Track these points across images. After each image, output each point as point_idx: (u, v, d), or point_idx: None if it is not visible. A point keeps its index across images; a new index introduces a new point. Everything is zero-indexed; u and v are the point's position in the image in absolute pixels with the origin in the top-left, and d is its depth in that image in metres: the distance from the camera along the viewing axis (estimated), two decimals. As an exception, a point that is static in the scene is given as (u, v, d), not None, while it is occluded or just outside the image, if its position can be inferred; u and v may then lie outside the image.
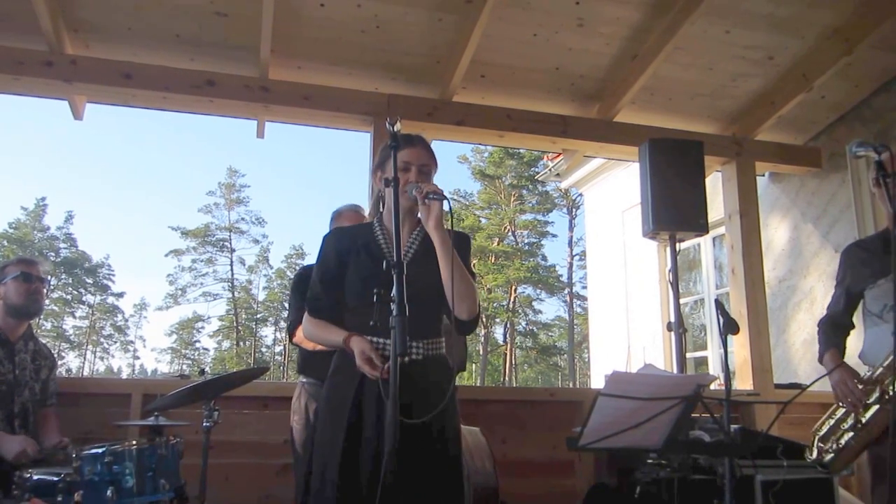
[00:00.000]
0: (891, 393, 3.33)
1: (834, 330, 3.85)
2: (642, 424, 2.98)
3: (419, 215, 2.99)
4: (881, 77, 6.40)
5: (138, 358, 60.50)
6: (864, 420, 3.45)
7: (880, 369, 3.39)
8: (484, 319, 48.11)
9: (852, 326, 3.85)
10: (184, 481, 3.70)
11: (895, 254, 3.15)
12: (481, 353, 48.52)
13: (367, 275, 2.93)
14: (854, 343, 3.83)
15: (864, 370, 3.54)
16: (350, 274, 3.01)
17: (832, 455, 3.58)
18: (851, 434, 3.50)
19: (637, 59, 5.76)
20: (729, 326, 3.54)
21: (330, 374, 3.06)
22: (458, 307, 2.87)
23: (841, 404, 3.55)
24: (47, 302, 51.50)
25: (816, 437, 3.66)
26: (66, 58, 5.13)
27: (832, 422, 3.60)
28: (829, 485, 4.38)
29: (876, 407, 3.39)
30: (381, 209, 3.17)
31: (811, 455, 3.68)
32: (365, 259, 3.00)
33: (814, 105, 6.55)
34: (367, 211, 4.51)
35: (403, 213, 2.96)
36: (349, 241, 3.10)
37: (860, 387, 3.44)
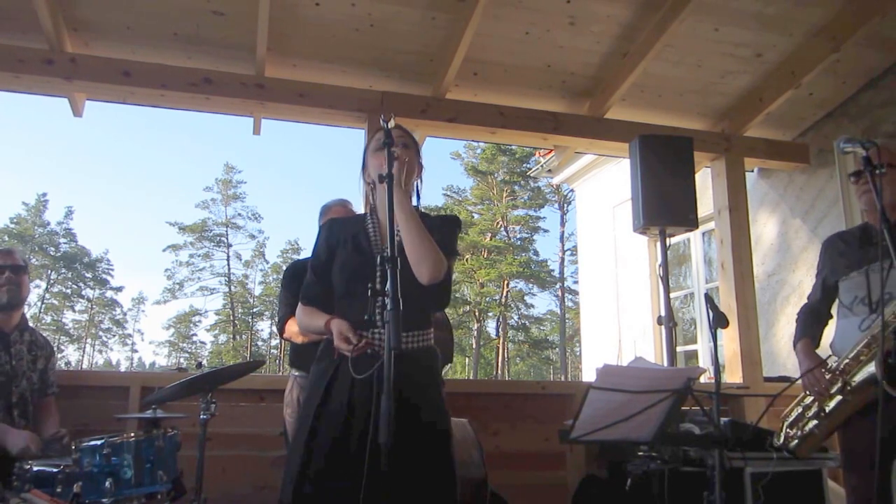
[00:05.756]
0: (852, 384, 3.41)
1: (809, 319, 3.92)
2: (633, 417, 2.99)
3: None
4: (868, 74, 6.45)
5: (136, 351, 60.81)
6: (827, 409, 3.53)
7: (846, 360, 3.47)
8: (477, 314, 48.14)
9: (829, 317, 3.91)
10: (181, 472, 3.74)
11: (881, 247, 3.20)
12: (474, 346, 48.55)
13: (350, 265, 2.98)
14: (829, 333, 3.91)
15: (834, 360, 3.60)
16: (336, 264, 3.04)
17: (797, 441, 3.66)
18: (815, 422, 3.59)
19: (627, 57, 5.81)
20: (718, 320, 3.58)
21: (314, 363, 3.09)
22: (417, 269, 2.82)
23: (808, 392, 3.63)
24: (47, 296, 51.55)
25: (785, 423, 3.74)
26: (65, 56, 5.16)
27: (800, 409, 3.69)
28: (817, 477, 4.42)
29: (839, 397, 3.48)
30: (372, 202, 3.18)
31: (778, 440, 3.76)
32: (351, 249, 3.03)
33: (801, 102, 6.60)
34: (356, 206, 4.57)
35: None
36: (340, 231, 3.14)
37: (827, 376, 3.52)
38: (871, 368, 3.34)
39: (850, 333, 3.54)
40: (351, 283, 2.95)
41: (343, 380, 2.84)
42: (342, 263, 3.02)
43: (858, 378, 3.41)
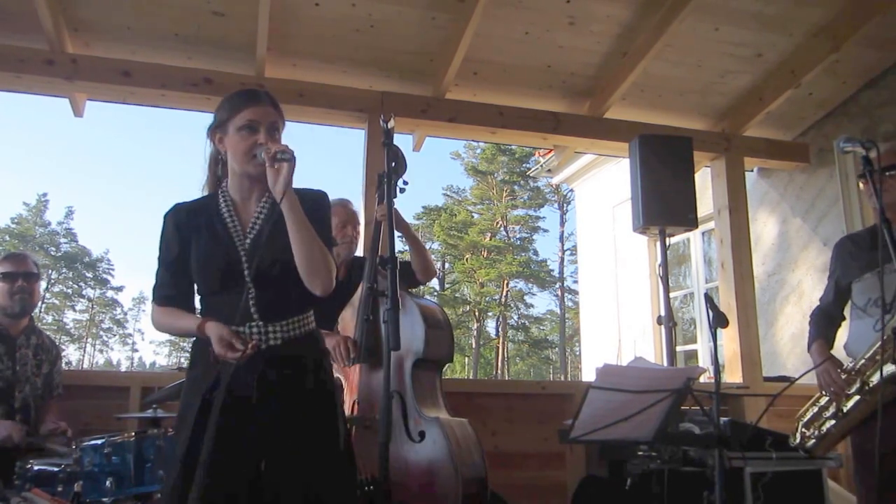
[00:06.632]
0: (871, 384, 3.42)
1: (823, 321, 3.92)
2: (633, 417, 2.99)
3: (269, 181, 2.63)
4: (868, 73, 6.44)
5: (137, 351, 60.76)
6: (845, 409, 3.54)
7: (862, 361, 3.47)
8: (476, 313, 48.15)
9: (842, 318, 3.91)
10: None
11: (881, 248, 3.21)
12: (473, 346, 48.52)
13: (207, 257, 2.70)
14: (842, 334, 3.91)
15: (849, 362, 3.61)
16: (193, 257, 2.73)
17: (814, 441, 3.67)
18: (833, 422, 3.59)
19: (627, 57, 5.80)
20: (718, 320, 3.56)
21: (188, 367, 2.84)
22: (310, 282, 2.63)
23: (824, 393, 3.64)
24: (48, 296, 51.56)
25: (800, 423, 3.75)
26: (66, 56, 5.16)
27: (815, 409, 3.69)
28: (818, 476, 4.42)
29: (857, 397, 3.48)
30: (224, 179, 2.88)
31: (794, 440, 3.77)
32: (207, 240, 2.72)
33: (801, 101, 6.59)
34: (356, 205, 4.57)
35: (250, 181, 2.75)
36: (189, 217, 2.80)
37: (843, 377, 3.53)
38: (889, 368, 3.34)
39: (864, 334, 3.54)
40: (215, 278, 2.69)
41: (220, 392, 2.54)
42: (199, 257, 2.72)
43: (876, 378, 3.41)
